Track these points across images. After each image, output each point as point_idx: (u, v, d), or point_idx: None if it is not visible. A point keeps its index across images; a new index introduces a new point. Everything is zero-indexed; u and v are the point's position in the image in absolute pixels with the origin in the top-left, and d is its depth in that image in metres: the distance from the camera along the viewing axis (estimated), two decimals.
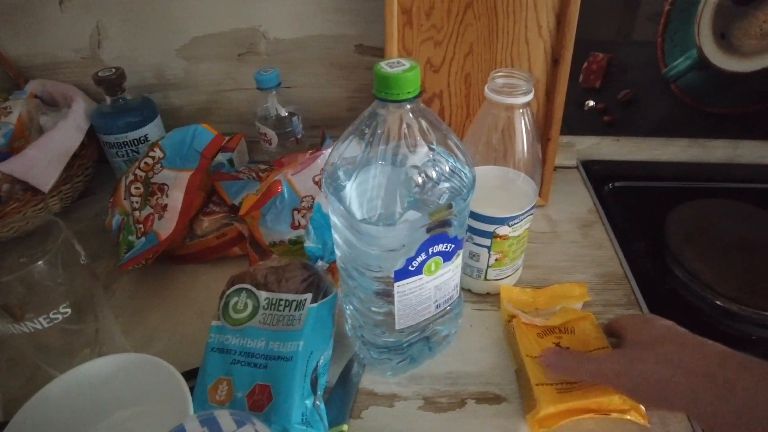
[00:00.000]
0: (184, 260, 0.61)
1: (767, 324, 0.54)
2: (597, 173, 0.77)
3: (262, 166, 0.69)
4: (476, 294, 0.56)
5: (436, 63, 0.62)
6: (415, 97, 0.35)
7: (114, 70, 0.68)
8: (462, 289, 0.57)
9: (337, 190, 0.38)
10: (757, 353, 0.35)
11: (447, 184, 0.38)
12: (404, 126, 0.36)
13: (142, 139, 0.71)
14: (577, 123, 0.75)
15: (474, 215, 0.49)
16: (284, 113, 0.68)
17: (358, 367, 0.49)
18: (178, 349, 0.52)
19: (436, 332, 0.48)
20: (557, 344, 0.47)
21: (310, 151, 0.57)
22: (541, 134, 0.65)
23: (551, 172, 0.67)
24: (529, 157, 0.48)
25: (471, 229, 0.51)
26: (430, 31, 0.60)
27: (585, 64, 0.70)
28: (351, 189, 0.37)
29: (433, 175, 0.37)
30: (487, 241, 0.51)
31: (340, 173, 0.38)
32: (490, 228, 0.49)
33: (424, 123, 0.36)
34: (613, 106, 0.74)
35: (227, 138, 0.74)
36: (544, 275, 0.59)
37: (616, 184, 0.76)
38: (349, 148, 0.37)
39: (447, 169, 0.38)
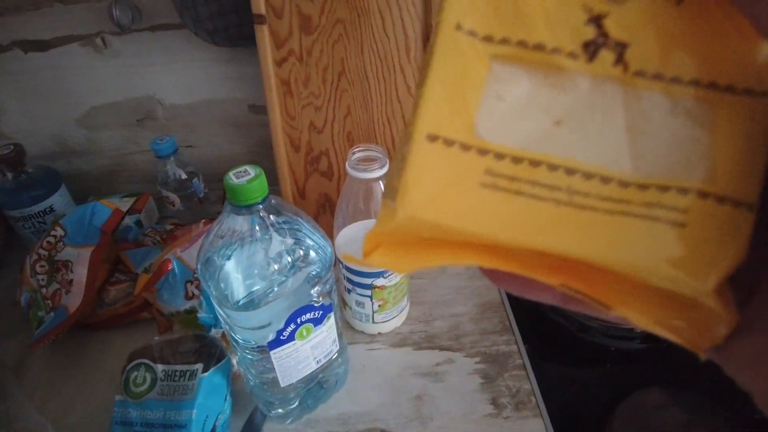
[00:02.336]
0: (96, 328, 0.64)
1: (620, 336, 0.63)
2: None
3: (168, 227, 0.73)
4: (369, 334, 0.63)
5: (318, 125, 0.67)
6: (264, 200, 0.40)
7: (12, 148, 0.70)
8: (356, 330, 0.63)
9: (209, 278, 0.43)
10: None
11: (306, 266, 0.44)
12: (259, 223, 0.41)
13: (47, 210, 0.73)
14: None
15: (351, 270, 0.56)
16: (184, 176, 0.72)
17: (260, 417, 0.54)
18: (94, 417, 0.56)
19: (326, 378, 0.54)
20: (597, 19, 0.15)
21: (203, 221, 0.62)
22: None
23: None
24: None
25: (351, 282, 0.57)
26: (309, 98, 0.66)
27: None
28: (220, 277, 0.43)
29: (290, 260, 0.43)
30: (367, 292, 0.57)
31: (211, 262, 0.44)
32: (367, 281, 0.56)
33: (278, 217, 0.42)
34: None
35: (134, 199, 0.78)
36: (431, 310, 0.66)
37: None
38: (217, 242, 0.43)
39: (304, 252, 0.44)
